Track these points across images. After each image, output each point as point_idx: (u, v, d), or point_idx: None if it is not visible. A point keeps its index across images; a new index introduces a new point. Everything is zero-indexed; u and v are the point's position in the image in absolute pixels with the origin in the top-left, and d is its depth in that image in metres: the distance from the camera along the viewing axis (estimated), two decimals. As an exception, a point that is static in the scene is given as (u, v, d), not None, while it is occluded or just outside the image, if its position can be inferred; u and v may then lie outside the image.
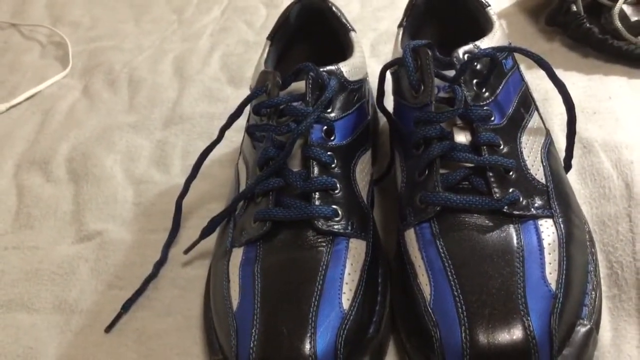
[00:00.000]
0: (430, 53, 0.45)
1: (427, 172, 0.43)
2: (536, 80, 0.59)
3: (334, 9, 0.56)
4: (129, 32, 0.90)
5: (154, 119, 0.69)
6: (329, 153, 0.45)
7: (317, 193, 0.43)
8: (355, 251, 0.42)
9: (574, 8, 0.67)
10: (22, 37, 0.93)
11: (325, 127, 0.46)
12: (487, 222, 0.40)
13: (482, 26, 0.52)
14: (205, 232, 0.48)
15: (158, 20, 0.92)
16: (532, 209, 0.41)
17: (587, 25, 0.65)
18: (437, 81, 0.45)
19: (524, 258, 0.38)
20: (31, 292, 0.51)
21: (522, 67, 0.52)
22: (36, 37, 0.92)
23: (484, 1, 0.53)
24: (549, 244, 0.39)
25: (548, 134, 0.48)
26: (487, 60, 0.46)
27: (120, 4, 0.98)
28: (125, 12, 0.96)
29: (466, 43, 0.47)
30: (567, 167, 0.48)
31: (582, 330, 0.37)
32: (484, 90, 0.45)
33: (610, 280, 0.44)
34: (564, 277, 0.37)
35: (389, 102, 0.51)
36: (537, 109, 0.49)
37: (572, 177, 0.51)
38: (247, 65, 0.76)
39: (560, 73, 0.46)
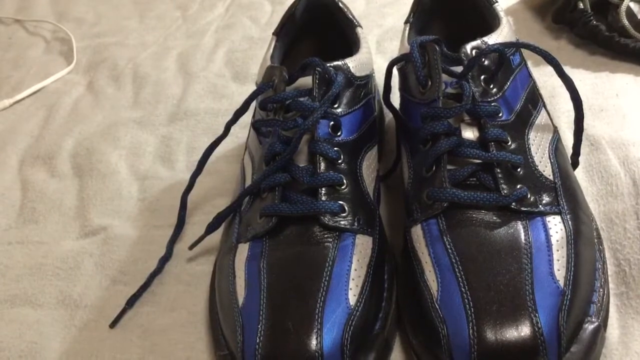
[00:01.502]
0: (437, 48, 0.45)
1: (434, 168, 0.43)
2: (543, 77, 0.59)
3: (340, 4, 0.56)
4: (133, 29, 0.90)
5: (158, 114, 0.69)
6: (335, 149, 0.45)
7: (323, 189, 0.43)
8: (362, 247, 0.42)
9: (581, 5, 0.66)
10: (26, 32, 0.93)
11: (332, 123, 0.46)
12: (494, 218, 0.40)
13: (489, 22, 0.52)
14: (211, 228, 0.48)
15: (162, 16, 0.92)
16: (540, 206, 0.41)
17: (594, 22, 0.65)
18: (444, 77, 0.45)
19: (532, 254, 0.38)
20: (35, 287, 0.51)
21: (529, 64, 0.52)
22: (40, 33, 0.92)
23: (491, -3, 0.53)
24: (557, 241, 0.39)
25: (556, 131, 0.47)
26: (494, 56, 0.46)
27: (124, 1, 0.98)
28: (130, 9, 0.96)
29: (474, 39, 0.47)
30: (575, 164, 0.47)
31: (590, 327, 0.36)
32: (491, 86, 0.45)
33: (618, 277, 0.44)
34: (572, 274, 0.37)
35: (396, 99, 0.51)
36: (544, 105, 0.49)
37: (580, 175, 0.50)
38: (252, 62, 0.76)
39: (567, 70, 0.45)
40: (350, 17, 0.56)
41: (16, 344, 0.46)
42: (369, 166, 0.47)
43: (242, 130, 0.60)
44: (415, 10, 0.55)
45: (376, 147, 0.50)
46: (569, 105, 0.46)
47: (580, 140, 0.47)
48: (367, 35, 0.61)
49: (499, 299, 0.36)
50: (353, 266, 0.40)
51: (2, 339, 0.47)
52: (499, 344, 0.34)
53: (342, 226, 0.42)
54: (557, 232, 0.39)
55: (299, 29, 0.56)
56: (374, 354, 0.39)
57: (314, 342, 0.36)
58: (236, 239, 0.44)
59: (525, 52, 0.49)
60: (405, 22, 0.55)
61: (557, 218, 0.40)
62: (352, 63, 0.49)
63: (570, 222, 0.40)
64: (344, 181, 0.44)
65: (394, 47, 0.73)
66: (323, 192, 0.43)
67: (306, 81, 0.47)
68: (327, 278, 0.39)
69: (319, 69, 0.46)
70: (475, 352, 0.34)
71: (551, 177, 0.43)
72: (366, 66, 0.52)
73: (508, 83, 0.46)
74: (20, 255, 0.54)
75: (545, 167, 0.43)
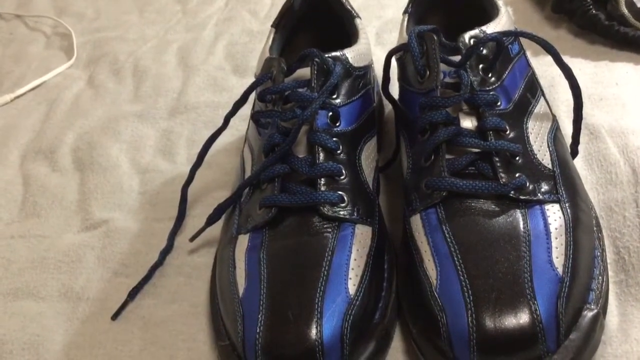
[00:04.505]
0: (436, 38, 0.45)
1: (433, 157, 0.43)
2: (542, 66, 0.59)
3: (338, -5, 0.56)
4: (133, 23, 0.90)
5: (159, 108, 0.69)
6: (334, 139, 0.45)
7: (322, 179, 0.43)
8: (361, 237, 0.42)
9: (581, -6, 0.66)
10: (27, 28, 0.93)
11: (331, 113, 0.46)
12: (493, 207, 0.40)
13: (488, 12, 0.52)
14: (211, 220, 0.48)
15: (162, 10, 0.92)
16: (539, 194, 0.41)
17: (594, 11, 0.65)
18: (442, 66, 0.45)
19: (530, 242, 0.38)
20: (38, 280, 0.51)
21: (528, 54, 0.52)
22: (41, 28, 0.92)
23: (490, -13, 0.53)
24: (556, 229, 0.39)
25: (554, 120, 0.47)
26: (493, 45, 0.46)
27: (124, -5, 0.98)
28: (129, 3, 0.96)
29: (472, 29, 0.47)
30: (574, 153, 0.47)
31: (589, 314, 0.36)
32: (490, 75, 0.45)
33: (617, 265, 0.44)
34: (570, 261, 0.37)
35: (394, 90, 0.51)
36: (543, 94, 0.49)
37: (579, 163, 0.50)
38: (252, 55, 0.76)
39: (566, 60, 0.45)
40: (349, 8, 0.55)
41: (19, 336, 0.47)
42: (368, 156, 0.47)
43: (241, 123, 0.61)
44: (414, 0, 0.55)
45: (375, 137, 0.50)
46: (568, 95, 0.46)
47: (580, 129, 0.47)
48: (367, 26, 0.61)
49: (498, 286, 0.36)
50: (353, 256, 0.40)
51: (5, 332, 0.47)
52: (497, 331, 0.34)
53: (342, 216, 0.42)
54: (555, 220, 0.39)
55: (298, 21, 0.56)
56: (373, 343, 0.39)
57: (313, 331, 0.36)
58: (236, 230, 0.44)
59: (525, 42, 0.49)
60: (404, 13, 0.54)
61: (556, 206, 0.40)
62: (351, 54, 0.49)
63: (569, 210, 0.40)
64: (343, 171, 0.44)
65: (394, 38, 0.73)
66: (322, 182, 0.43)
67: (305, 72, 0.47)
68: (326, 268, 0.39)
69: (317, 59, 0.46)
70: (474, 339, 0.34)
71: (550, 166, 0.43)
72: (365, 57, 0.52)
73: (506, 72, 0.46)
74: (22, 248, 0.54)
75: (544, 155, 0.43)
